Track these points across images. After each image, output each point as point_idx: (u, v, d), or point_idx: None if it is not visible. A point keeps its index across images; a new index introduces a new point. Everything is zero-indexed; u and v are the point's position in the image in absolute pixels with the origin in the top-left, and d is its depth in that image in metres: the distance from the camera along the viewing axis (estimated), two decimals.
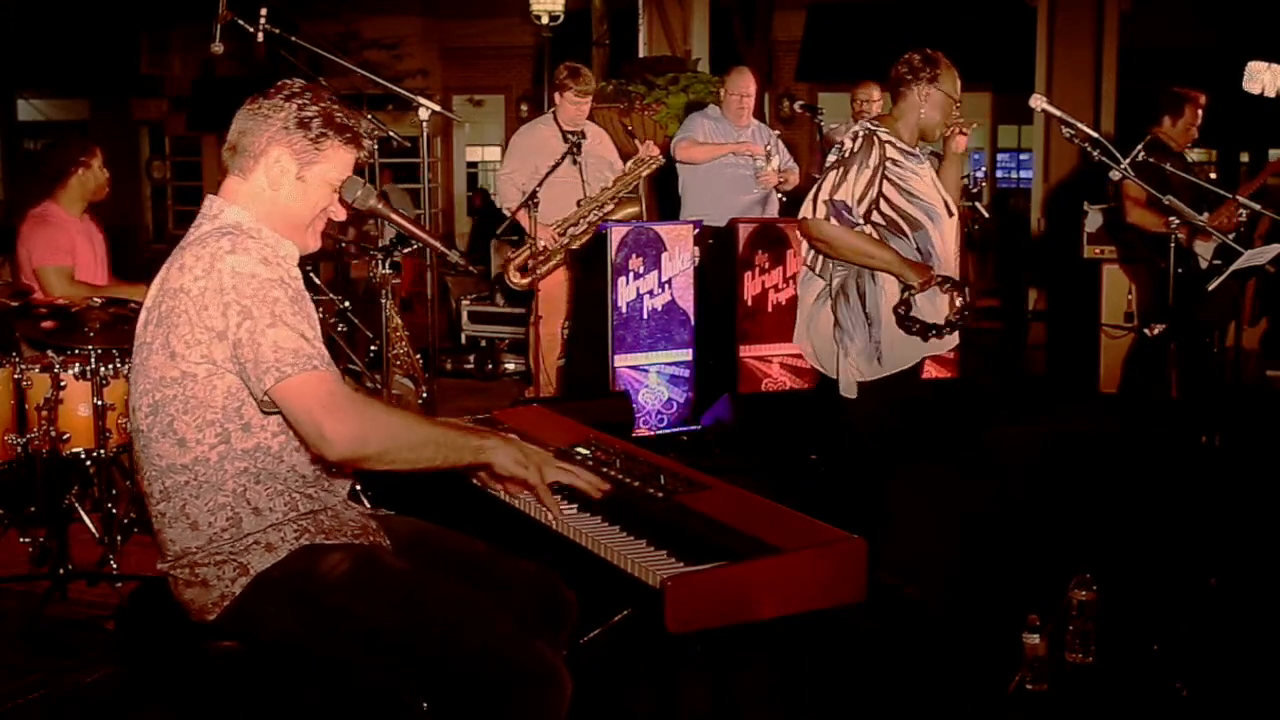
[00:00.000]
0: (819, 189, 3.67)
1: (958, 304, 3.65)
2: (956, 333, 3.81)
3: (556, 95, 6.02)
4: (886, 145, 3.66)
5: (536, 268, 5.84)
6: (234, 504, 2.10)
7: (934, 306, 3.68)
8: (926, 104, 3.71)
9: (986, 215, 6.43)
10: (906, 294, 3.60)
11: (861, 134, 3.67)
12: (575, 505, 2.31)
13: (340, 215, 2.29)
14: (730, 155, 6.25)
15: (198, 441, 2.08)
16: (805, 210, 3.70)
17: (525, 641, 2.06)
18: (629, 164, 5.99)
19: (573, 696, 2.06)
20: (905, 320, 3.60)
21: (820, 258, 3.74)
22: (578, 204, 5.89)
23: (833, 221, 3.61)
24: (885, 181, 3.64)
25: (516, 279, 6.00)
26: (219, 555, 2.10)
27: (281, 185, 2.19)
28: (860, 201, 3.62)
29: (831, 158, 3.73)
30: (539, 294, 5.94)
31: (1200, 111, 5.63)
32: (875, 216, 3.65)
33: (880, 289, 3.66)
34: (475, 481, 2.42)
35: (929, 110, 3.71)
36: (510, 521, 2.36)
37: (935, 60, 3.71)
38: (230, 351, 2.03)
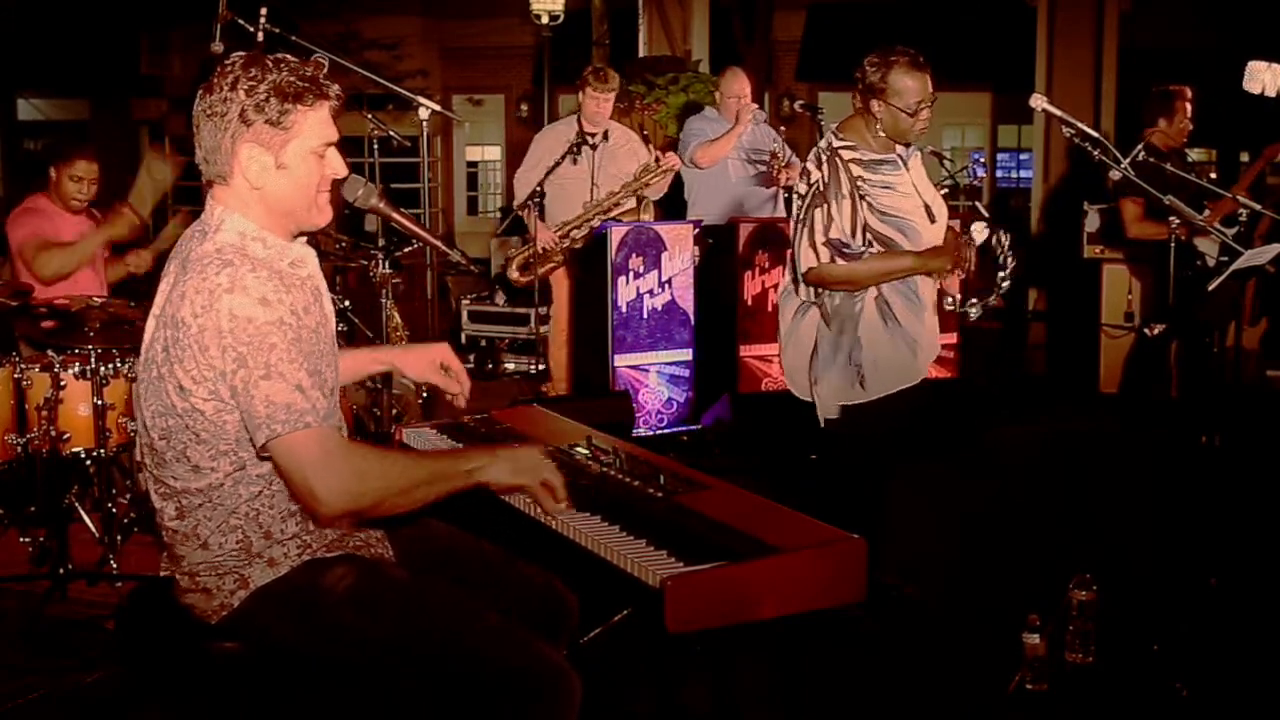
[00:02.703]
0: (810, 233, 3.50)
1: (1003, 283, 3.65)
2: (936, 337, 3.77)
3: (579, 95, 6.04)
4: (851, 165, 3.50)
5: (537, 267, 5.89)
6: (245, 526, 2.08)
7: (922, 316, 3.64)
8: (883, 112, 3.49)
9: (986, 215, 6.43)
10: (942, 286, 3.60)
11: (824, 159, 3.51)
12: (575, 505, 2.31)
13: (342, 171, 2.17)
14: (737, 155, 6.25)
15: (212, 469, 2.05)
16: (807, 260, 3.51)
17: (532, 645, 2.06)
18: (639, 169, 5.98)
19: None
20: (958, 307, 3.66)
21: (811, 288, 3.61)
22: (583, 206, 5.91)
23: (838, 261, 3.49)
24: (862, 202, 3.50)
25: (517, 276, 6.10)
26: (222, 568, 2.09)
27: (264, 181, 2.07)
28: (854, 233, 3.49)
29: (801, 187, 3.57)
30: (552, 290, 6.04)
31: (1189, 105, 5.70)
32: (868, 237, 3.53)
33: (861, 314, 3.56)
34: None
35: (886, 117, 3.50)
36: (509, 521, 2.36)
37: (887, 64, 3.47)
38: (230, 395, 1.99)
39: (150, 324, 2.11)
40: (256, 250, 2.08)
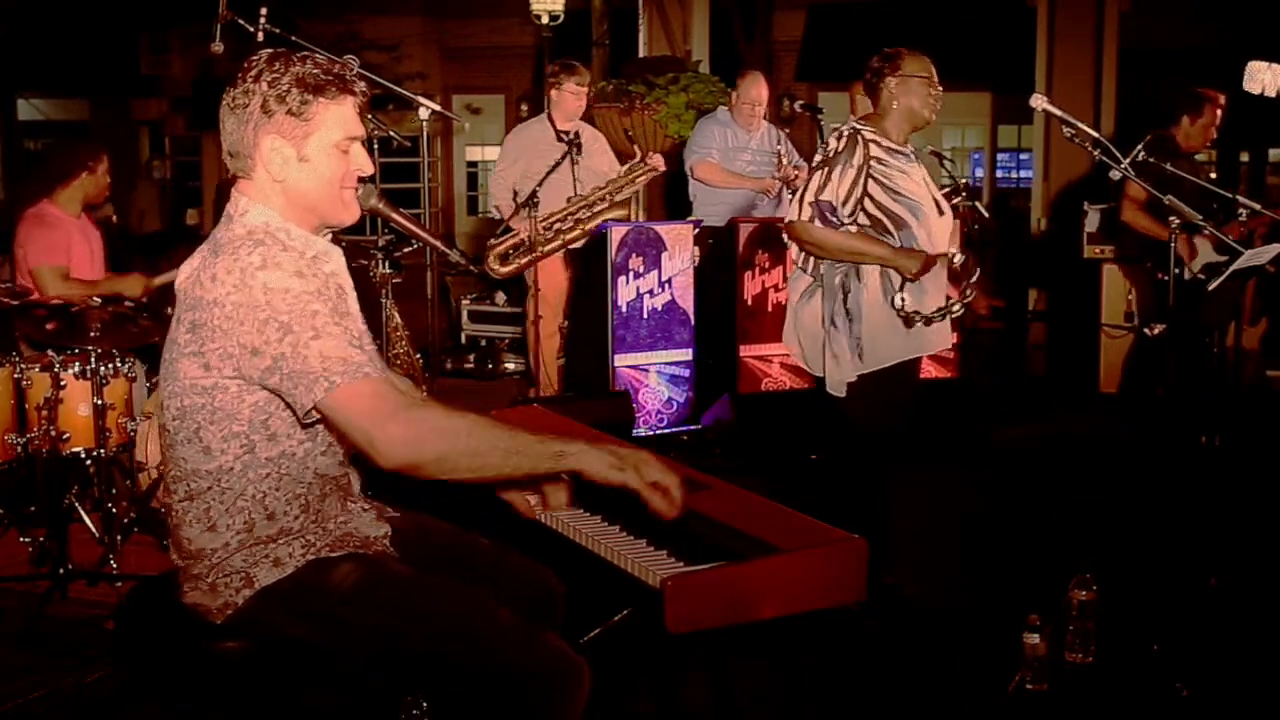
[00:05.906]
0: (804, 190, 3.67)
1: (966, 292, 3.66)
2: (949, 326, 3.82)
3: (553, 92, 6.01)
4: (871, 144, 3.64)
5: (518, 258, 5.80)
6: (251, 508, 2.08)
7: (924, 301, 3.69)
8: (901, 94, 3.69)
9: (987, 215, 6.44)
10: (903, 284, 3.60)
11: (846, 133, 3.67)
12: (577, 506, 2.31)
13: (368, 168, 2.15)
14: (745, 155, 6.24)
15: (222, 451, 2.05)
16: (791, 213, 3.71)
17: (540, 638, 2.06)
18: (625, 168, 5.95)
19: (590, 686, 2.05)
20: (900, 313, 3.60)
21: (809, 256, 3.73)
22: (568, 201, 5.86)
23: (817, 223, 3.62)
24: (870, 180, 3.62)
25: (496, 266, 5.88)
26: (229, 566, 2.08)
27: (286, 173, 2.07)
28: (846, 201, 3.62)
29: (816, 158, 3.73)
30: (538, 293, 5.93)
31: (1220, 112, 5.56)
32: (860, 216, 3.64)
33: (863, 285, 3.65)
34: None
35: (905, 98, 3.69)
36: (510, 520, 2.36)
37: (895, 54, 3.71)
38: (268, 366, 1.95)
39: (177, 306, 2.08)
40: (280, 239, 2.08)
